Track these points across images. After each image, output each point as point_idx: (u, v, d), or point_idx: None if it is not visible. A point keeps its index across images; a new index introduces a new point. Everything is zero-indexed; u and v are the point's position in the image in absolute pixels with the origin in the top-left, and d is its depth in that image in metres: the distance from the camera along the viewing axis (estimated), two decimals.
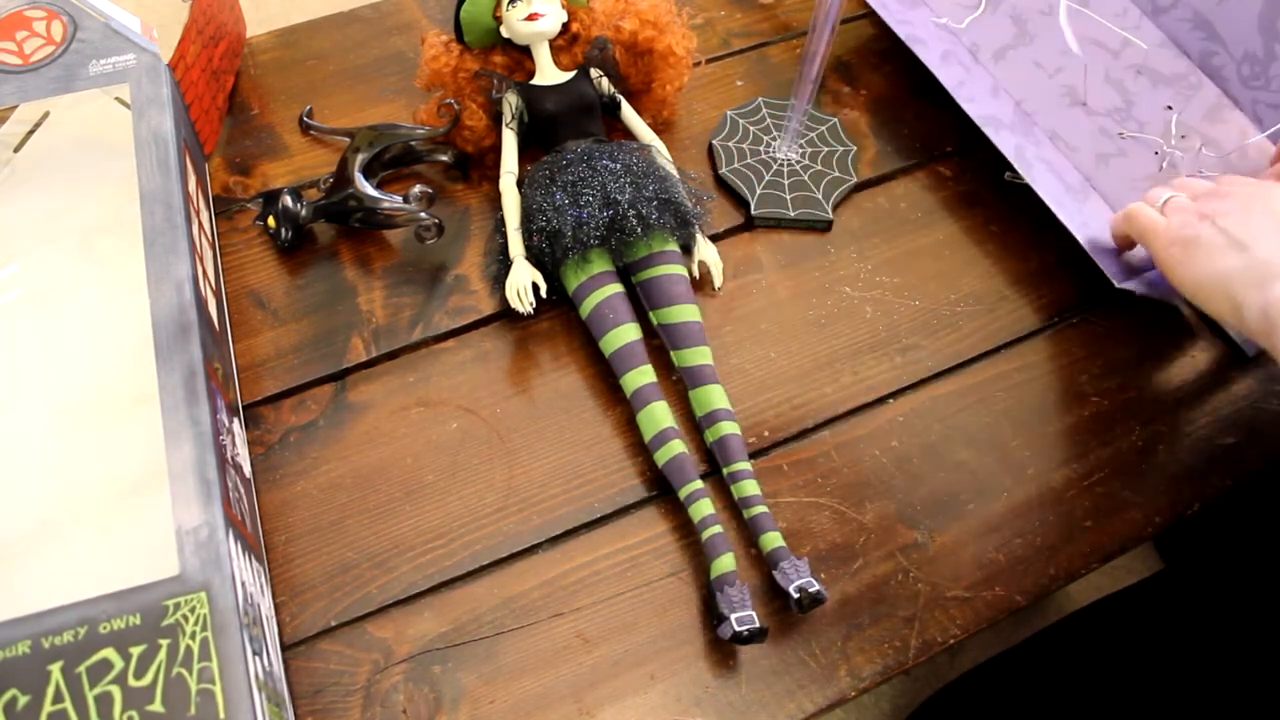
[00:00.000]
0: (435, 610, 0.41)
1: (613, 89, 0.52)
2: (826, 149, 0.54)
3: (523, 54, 0.52)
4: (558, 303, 0.48)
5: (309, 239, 0.51)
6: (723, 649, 0.40)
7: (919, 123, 0.57)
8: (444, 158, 0.53)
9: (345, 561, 0.42)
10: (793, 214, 0.52)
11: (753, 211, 0.52)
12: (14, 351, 0.37)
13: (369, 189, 0.48)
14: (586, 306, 0.46)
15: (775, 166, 0.53)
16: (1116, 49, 0.55)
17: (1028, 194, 0.50)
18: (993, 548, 0.43)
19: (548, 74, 0.51)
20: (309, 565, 0.41)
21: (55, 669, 0.30)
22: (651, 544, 0.43)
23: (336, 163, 0.50)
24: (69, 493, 0.34)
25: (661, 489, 0.44)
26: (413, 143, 0.51)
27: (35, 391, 0.36)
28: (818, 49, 0.47)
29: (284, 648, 0.39)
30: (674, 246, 0.48)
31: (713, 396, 0.44)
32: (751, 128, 0.55)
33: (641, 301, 0.48)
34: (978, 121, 0.52)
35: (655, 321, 0.47)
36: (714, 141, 0.54)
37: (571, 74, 0.51)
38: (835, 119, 0.56)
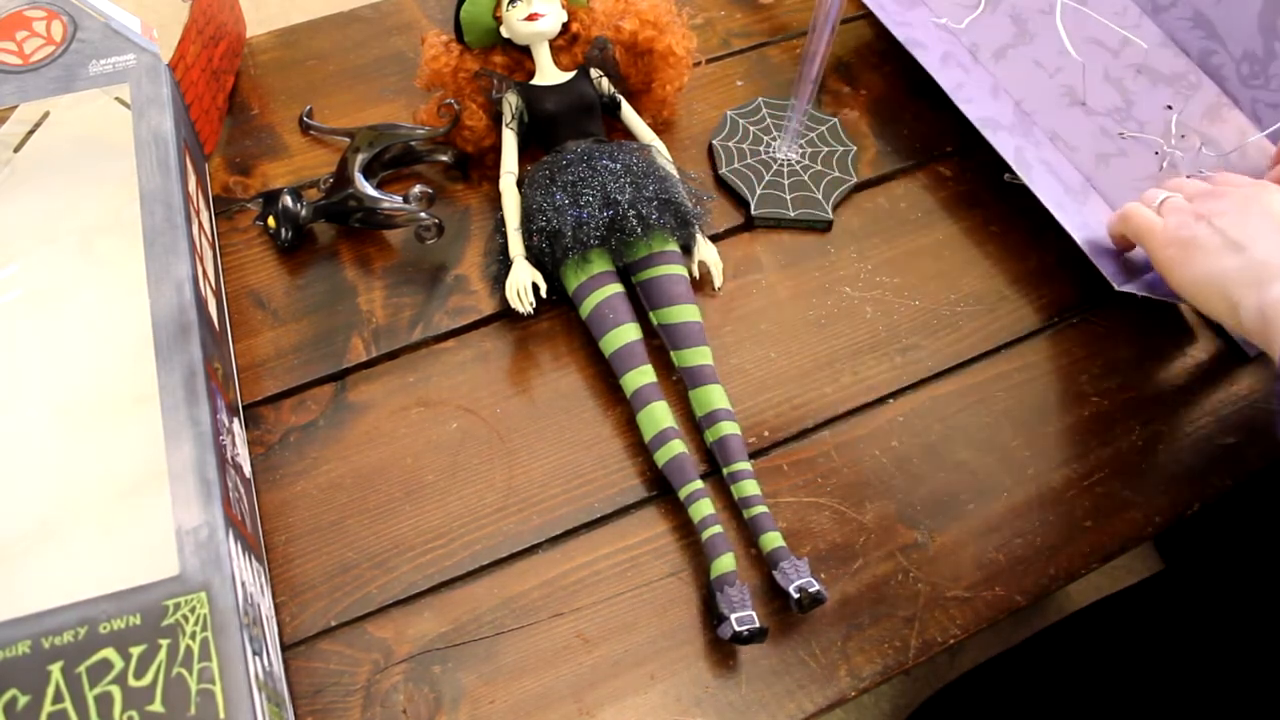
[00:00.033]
0: (435, 610, 0.41)
1: (613, 89, 0.52)
2: (826, 149, 0.54)
3: (523, 54, 0.52)
4: (558, 303, 0.48)
5: (309, 239, 0.51)
6: (723, 649, 0.40)
7: (919, 123, 0.57)
8: (444, 158, 0.53)
9: (345, 561, 0.42)
10: (793, 214, 0.52)
11: (753, 211, 0.52)
12: (14, 351, 0.37)
13: (369, 189, 0.48)
14: (586, 306, 0.46)
15: (775, 166, 0.53)
16: (1116, 48, 0.55)
17: (1028, 194, 0.50)
18: (993, 548, 0.43)
19: (548, 74, 0.51)
20: (309, 565, 0.41)
21: (55, 669, 0.30)
22: (651, 544, 0.43)
23: (336, 163, 0.50)
24: (69, 493, 0.34)
25: (661, 489, 0.44)
26: (413, 143, 0.51)
27: (35, 391, 0.36)
28: (818, 49, 0.47)
29: (284, 648, 0.39)
30: (674, 246, 0.48)
31: (713, 396, 0.44)
32: (751, 128, 0.55)
33: (641, 301, 0.48)
34: (977, 124, 0.52)
35: (655, 321, 0.47)
36: (714, 141, 0.54)
37: (571, 74, 0.51)
38: (835, 119, 0.56)
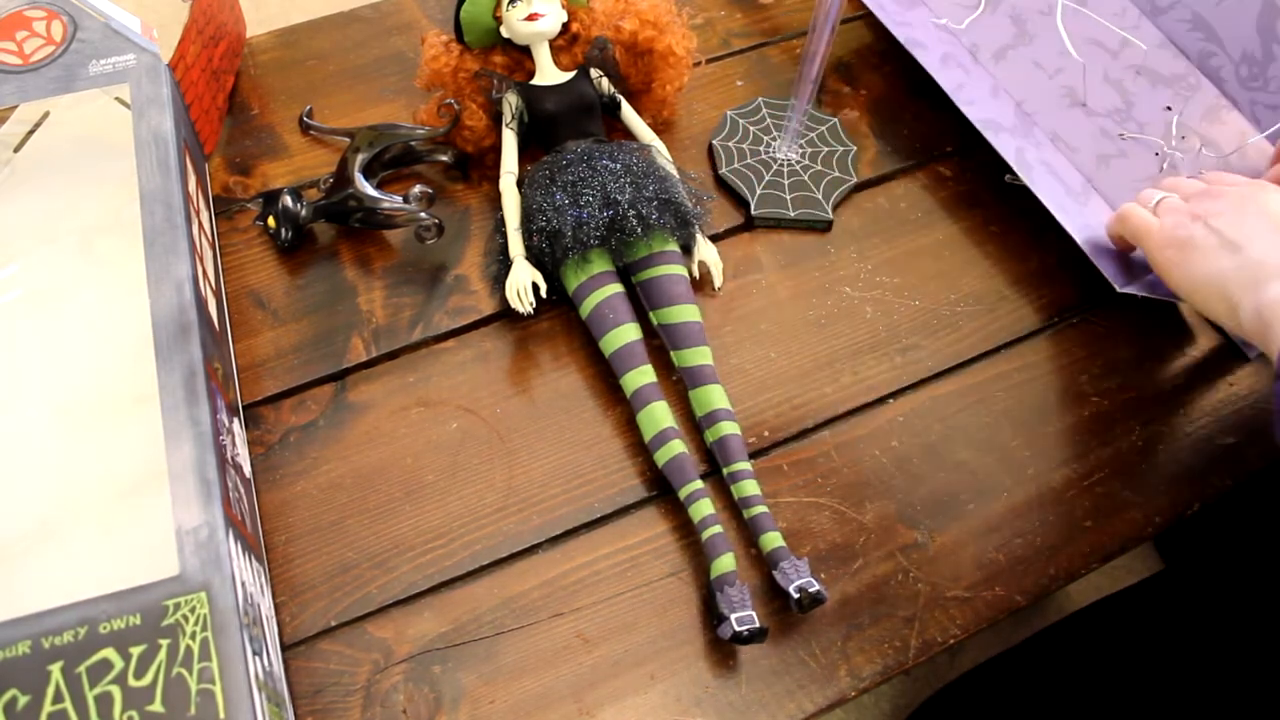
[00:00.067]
0: (435, 610, 0.41)
1: (613, 89, 0.52)
2: (826, 149, 0.54)
3: (523, 54, 0.52)
4: (558, 303, 0.48)
5: (309, 239, 0.51)
6: (723, 649, 0.40)
7: (919, 123, 0.57)
8: (444, 158, 0.53)
9: (345, 561, 0.42)
10: (793, 214, 0.52)
11: (753, 211, 0.52)
12: (14, 351, 0.37)
13: (369, 189, 0.48)
14: (586, 306, 0.46)
15: (775, 166, 0.53)
16: (1115, 49, 0.55)
17: (1028, 194, 0.50)
18: (993, 548, 0.43)
19: (548, 74, 0.51)
20: (309, 565, 0.41)
21: (55, 669, 0.30)
22: (651, 544, 0.43)
23: (336, 163, 0.50)
24: (69, 493, 0.34)
25: (661, 489, 0.44)
26: (413, 143, 0.51)
27: (35, 391, 0.36)
28: (817, 49, 0.47)
29: (284, 648, 0.39)
30: (674, 246, 0.48)
31: (713, 396, 0.44)
32: (751, 128, 0.55)
33: (641, 301, 0.48)
34: (978, 125, 0.52)
35: (655, 321, 0.47)
36: (714, 141, 0.54)
37: (571, 74, 0.51)
38: (835, 119, 0.56)
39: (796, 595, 0.39)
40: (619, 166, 0.47)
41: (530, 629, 0.40)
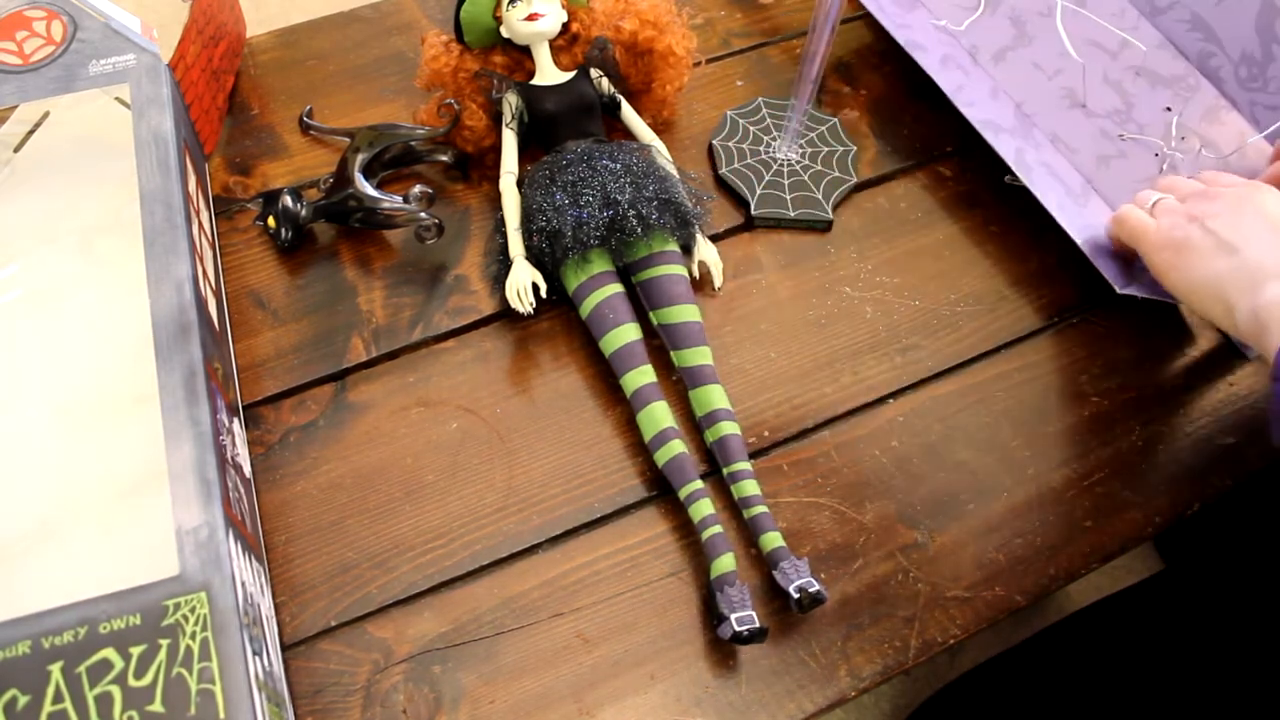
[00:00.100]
0: (435, 610, 0.41)
1: (613, 89, 0.52)
2: (826, 149, 0.54)
3: (523, 54, 0.52)
4: (558, 303, 0.48)
5: (309, 239, 0.51)
6: (723, 649, 0.40)
7: (919, 123, 0.57)
8: (444, 158, 0.53)
9: (345, 561, 0.42)
10: (793, 214, 0.52)
11: (753, 211, 0.52)
12: (14, 351, 0.37)
13: (369, 189, 0.48)
14: (586, 306, 0.46)
15: (775, 166, 0.53)
16: (1115, 50, 0.55)
17: (1028, 194, 0.50)
18: (993, 548, 0.43)
19: (548, 74, 0.51)
20: (309, 565, 0.41)
21: (55, 669, 0.30)
22: (651, 544, 0.43)
23: (336, 163, 0.50)
24: (69, 493, 0.34)
25: (661, 489, 0.44)
26: (413, 143, 0.51)
27: (35, 391, 0.36)
28: (817, 49, 0.47)
29: (284, 648, 0.39)
30: (674, 246, 0.48)
31: (713, 396, 0.44)
32: (751, 128, 0.55)
33: (641, 301, 0.48)
34: (977, 126, 0.52)
35: (655, 321, 0.47)
36: (714, 141, 0.54)
37: (571, 74, 0.51)
38: (835, 119, 0.56)
39: (796, 595, 0.39)
40: (619, 166, 0.47)
41: (530, 629, 0.40)
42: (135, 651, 0.31)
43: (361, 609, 0.40)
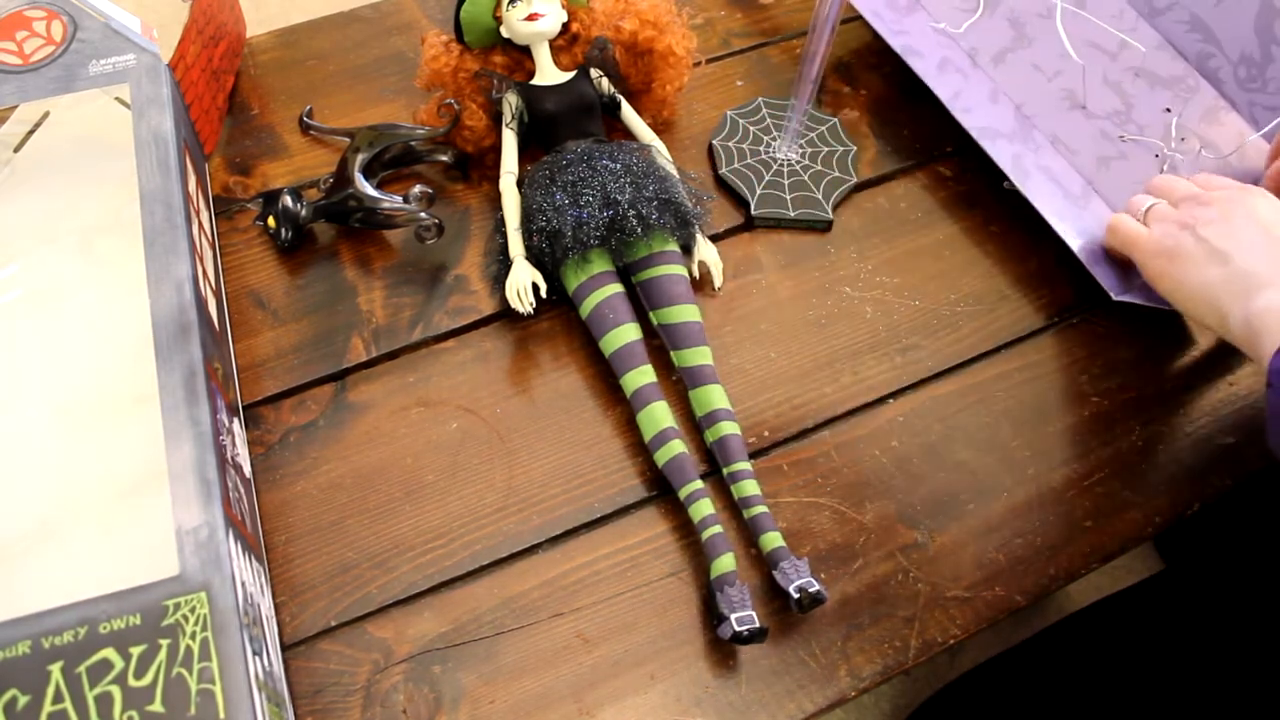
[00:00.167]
0: (435, 610, 0.41)
1: (613, 89, 0.52)
2: (826, 149, 0.54)
3: (523, 54, 0.52)
4: (558, 303, 0.48)
5: (309, 239, 0.51)
6: (723, 649, 0.40)
7: (919, 123, 0.57)
8: (444, 158, 0.53)
9: (345, 561, 0.42)
10: (793, 214, 0.52)
11: (753, 211, 0.52)
12: (14, 351, 0.37)
13: (369, 189, 0.48)
14: (586, 306, 0.46)
15: (775, 166, 0.54)
16: (1114, 51, 0.55)
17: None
18: (993, 548, 0.43)
19: (548, 74, 0.51)
20: (309, 565, 0.41)
21: (55, 669, 0.30)
22: (651, 544, 0.43)
23: (336, 163, 0.50)
24: (69, 493, 0.34)
25: (661, 489, 0.44)
26: (413, 143, 0.51)
27: (35, 391, 0.36)
28: (817, 49, 0.47)
29: (284, 648, 0.39)
30: (674, 246, 0.48)
31: (713, 396, 0.44)
32: (751, 128, 0.55)
33: (641, 301, 0.48)
34: (974, 134, 0.51)
35: (655, 321, 0.47)
36: (714, 141, 0.54)
37: (571, 74, 0.51)
38: (835, 119, 0.56)
39: (796, 595, 0.39)
40: (619, 166, 0.47)
41: (530, 629, 0.40)
42: (135, 651, 0.31)
43: (361, 609, 0.40)
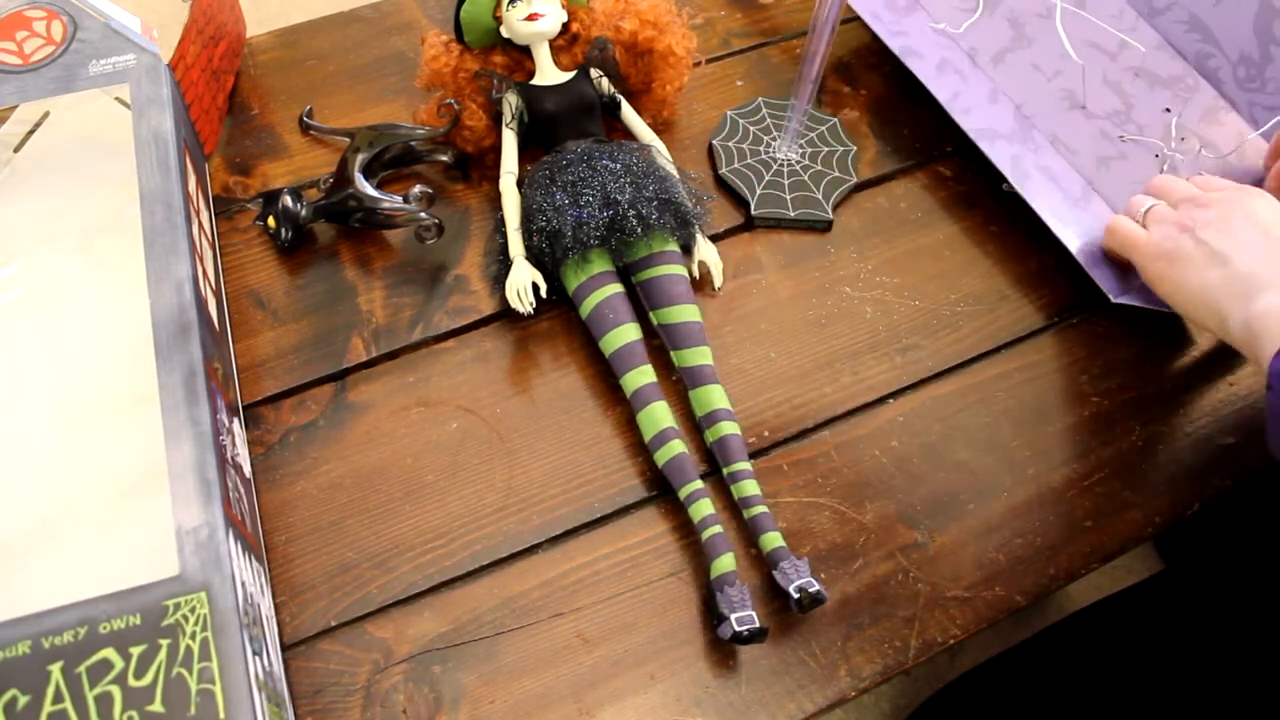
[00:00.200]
0: (435, 610, 0.41)
1: (613, 89, 0.52)
2: (826, 149, 0.54)
3: (523, 54, 0.52)
4: (558, 303, 0.48)
5: (309, 239, 0.51)
6: (723, 649, 0.40)
7: (919, 123, 0.57)
8: (444, 158, 0.53)
9: (345, 561, 0.42)
10: (793, 214, 0.52)
11: (753, 211, 0.52)
12: (14, 351, 0.37)
13: (369, 189, 0.48)
14: (586, 306, 0.46)
15: (775, 166, 0.54)
16: (1114, 51, 0.55)
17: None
18: (993, 548, 0.43)
19: (548, 74, 0.51)
20: (309, 565, 0.41)
21: (55, 669, 0.30)
22: (651, 544, 0.43)
23: (336, 163, 0.50)
24: (69, 493, 0.34)
25: (661, 489, 0.44)
26: (413, 143, 0.51)
27: (35, 391, 0.36)
28: (817, 49, 0.47)
29: (284, 648, 0.39)
30: (674, 246, 0.48)
31: (713, 396, 0.44)
32: (751, 128, 0.55)
33: (641, 301, 0.48)
34: (972, 136, 0.51)
35: (655, 321, 0.47)
36: (714, 141, 0.54)
37: (571, 74, 0.51)
38: (835, 119, 0.56)
39: (796, 595, 0.39)
40: (619, 166, 0.47)
41: (530, 629, 0.40)
42: (135, 651, 0.31)
43: (361, 609, 0.40)
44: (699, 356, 0.45)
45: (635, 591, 0.41)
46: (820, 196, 0.53)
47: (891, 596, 0.42)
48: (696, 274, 0.49)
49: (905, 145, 0.56)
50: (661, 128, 0.55)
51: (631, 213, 0.45)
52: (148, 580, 0.32)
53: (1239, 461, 0.46)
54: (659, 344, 0.47)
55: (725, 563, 0.40)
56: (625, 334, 0.45)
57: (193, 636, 0.31)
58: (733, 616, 0.38)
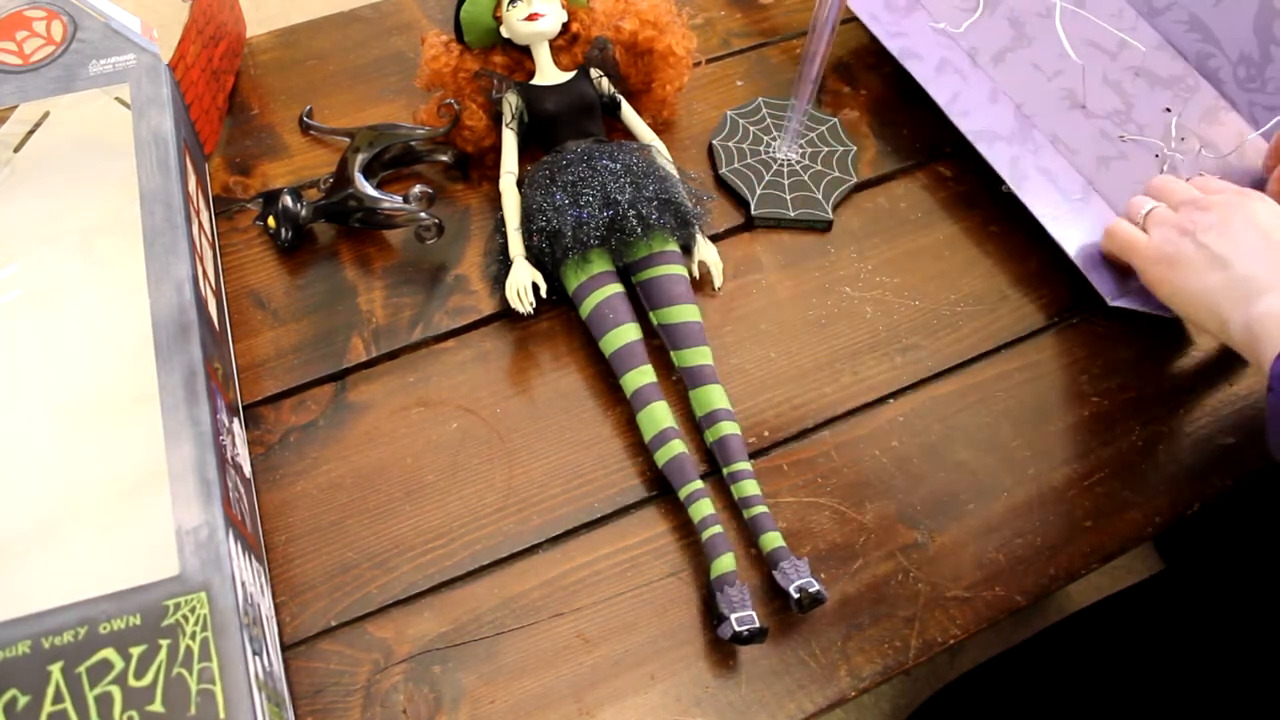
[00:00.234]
0: (435, 610, 0.41)
1: (613, 89, 0.52)
2: (826, 149, 0.54)
3: (523, 54, 0.52)
4: (558, 303, 0.48)
5: (309, 239, 0.51)
6: (723, 649, 0.40)
7: (919, 123, 0.57)
8: (444, 158, 0.53)
9: (345, 561, 0.42)
10: (793, 214, 0.52)
11: (753, 211, 0.52)
12: (14, 351, 0.37)
13: (369, 189, 0.48)
14: (586, 306, 0.46)
15: (775, 166, 0.54)
16: (1114, 50, 0.55)
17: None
18: (993, 548, 0.43)
19: (548, 74, 0.51)
20: (309, 565, 0.41)
21: (55, 669, 0.30)
22: (651, 544, 0.43)
23: (336, 163, 0.50)
24: (69, 493, 0.34)
25: (661, 489, 0.44)
26: (413, 143, 0.51)
27: (35, 391, 0.36)
28: (817, 49, 0.47)
29: (284, 648, 0.39)
30: (674, 246, 0.48)
31: (713, 396, 0.44)
32: (751, 128, 0.55)
33: (641, 301, 0.48)
34: (970, 138, 0.51)
35: (655, 321, 0.47)
36: (714, 141, 0.54)
37: (571, 74, 0.51)
38: (835, 119, 0.56)
39: (796, 595, 0.39)
40: (619, 166, 0.47)
41: (530, 629, 0.40)
42: (135, 651, 0.31)
43: (361, 609, 0.40)
44: (699, 356, 0.45)
45: (635, 591, 0.41)
46: (820, 196, 0.53)
47: (891, 596, 0.42)
48: (696, 274, 0.49)
49: (905, 145, 0.56)
50: (661, 128, 0.55)
51: (631, 213, 0.45)
52: (148, 580, 0.32)
53: (1239, 461, 0.46)
54: (659, 344, 0.47)
55: (725, 563, 0.40)
56: (625, 334, 0.45)
57: (193, 636, 0.31)
58: (733, 616, 0.38)
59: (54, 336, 0.38)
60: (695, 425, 0.45)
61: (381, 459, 0.44)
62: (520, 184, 0.49)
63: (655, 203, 0.46)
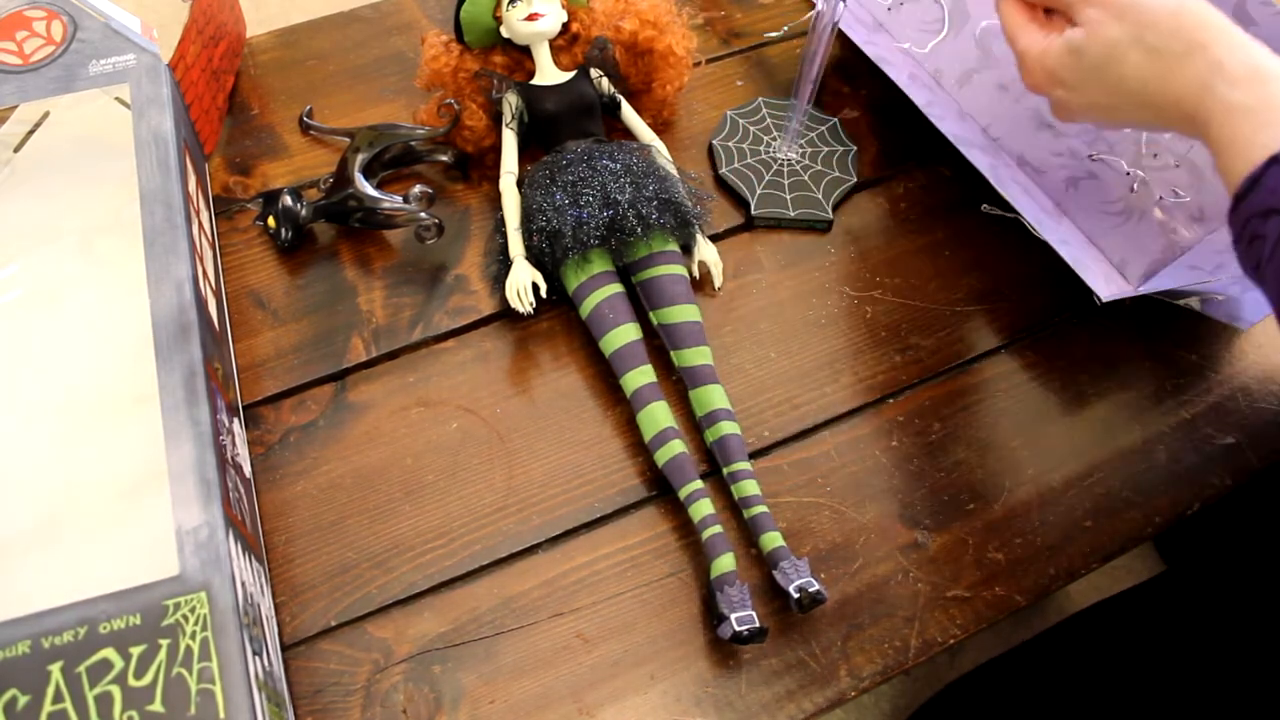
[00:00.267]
0: (435, 610, 0.41)
1: (613, 89, 0.52)
2: (826, 149, 0.54)
3: (523, 54, 0.52)
4: (558, 303, 0.48)
5: (309, 239, 0.51)
6: (723, 649, 0.40)
7: (919, 123, 0.57)
8: (444, 158, 0.53)
9: (345, 561, 0.42)
10: (793, 214, 0.52)
11: (753, 211, 0.52)
12: (14, 351, 0.37)
13: (369, 189, 0.48)
14: (586, 306, 0.46)
15: (775, 166, 0.53)
16: None
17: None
18: (993, 548, 0.43)
19: (548, 74, 0.51)
20: (309, 565, 0.41)
21: (55, 669, 0.30)
22: (651, 544, 0.43)
23: (336, 163, 0.50)
24: (69, 493, 0.34)
25: (661, 489, 0.44)
26: (413, 143, 0.51)
27: (35, 391, 0.36)
28: (817, 49, 0.47)
29: (284, 648, 0.39)
30: (674, 246, 0.48)
31: (713, 396, 0.44)
32: (751, 128, 0.55)
33: (641, 301, 0.48)
34: (952, 139, 0.51)
35: (655, 321, 0.47)
36: (714, 141, 0.54)
37: (571, 74, 0.51)
38: (835, 119, 0.56)
39: (796, 595, 0.39)
40: (619, 166, 0.47)
41: (530, 629, 0.40)
42: (135, 651, 0.31)
43: (361, 609, 0.40)
44: (699, 356, 0.45)
45: (635, 591, 0.41)
46: (820, 196, 0.53)
47: (891, 596, 0.42)
48: (696, 274, 0.49)
49: (905, 145, 0.56)
50: (661, 128, 0.55)
51: (631, 213, 0.45)
52: (148, 580, 0.32)
53: (1239, 461, 0.46)
54: (659, 344, 0.47)
55: (725, 563, 0.40)
56: (625, 334, 0.45)
57: (193, 636, 0.31)
58: (733, 616, 0.38)
59: (54, 336, 0.38)
60: (695, 425, 0.45)
61: (381, 459, 0.44)
62: (520, 184, 0.49)
63: (655, 202, 0.46)
